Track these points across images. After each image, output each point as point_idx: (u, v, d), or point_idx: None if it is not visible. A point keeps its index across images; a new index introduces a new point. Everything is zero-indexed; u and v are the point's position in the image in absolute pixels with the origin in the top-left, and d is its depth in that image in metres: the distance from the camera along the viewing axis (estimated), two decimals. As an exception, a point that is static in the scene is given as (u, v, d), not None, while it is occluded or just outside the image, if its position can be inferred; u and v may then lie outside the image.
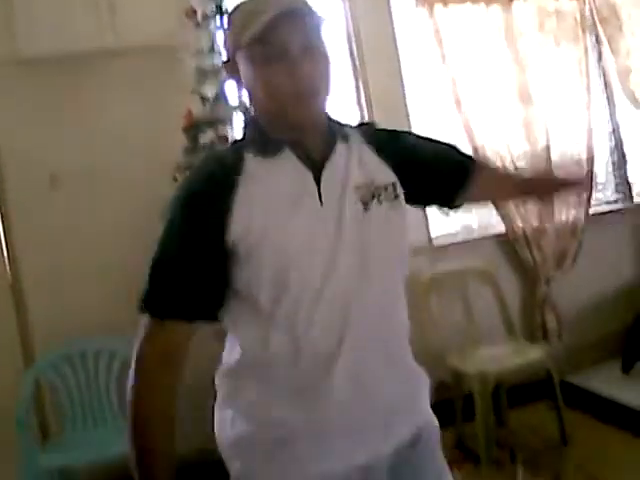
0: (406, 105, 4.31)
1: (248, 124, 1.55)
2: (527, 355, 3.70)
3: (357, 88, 4.31)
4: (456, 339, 3.82)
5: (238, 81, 1.50)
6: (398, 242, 1.53)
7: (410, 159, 1.58)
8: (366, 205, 1.46)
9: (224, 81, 3.28)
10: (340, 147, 1.50)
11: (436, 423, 1.63)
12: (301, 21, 1.40)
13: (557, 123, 4.45)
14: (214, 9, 3.32)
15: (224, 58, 1.54)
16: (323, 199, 1.43)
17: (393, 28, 4.31)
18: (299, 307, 1.39)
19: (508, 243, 4.42)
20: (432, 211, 4.17)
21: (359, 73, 4.29)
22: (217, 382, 1.55)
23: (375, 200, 1.47)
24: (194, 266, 1.39)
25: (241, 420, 1.47)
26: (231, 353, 1.50)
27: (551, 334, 4.37)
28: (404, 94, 4.31)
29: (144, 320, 1.42)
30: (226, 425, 1.50)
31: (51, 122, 3.69)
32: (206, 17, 3.33)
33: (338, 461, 1.44)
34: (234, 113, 3.28)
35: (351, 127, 1.60)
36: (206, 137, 3.23)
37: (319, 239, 1.41)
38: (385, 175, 1.52)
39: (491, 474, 3.47)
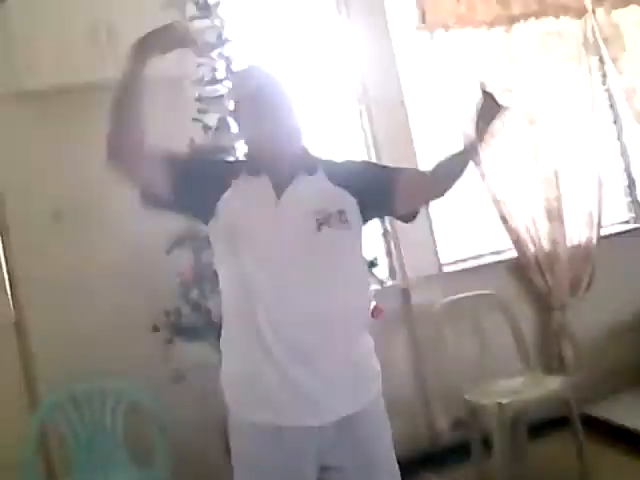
0: (410, 133, 4.25)
1: (246, 152, 2.21)
2: (544, 386, 3.62)
3: (360, 115, 4.26)
4: (471, 372, 3.72)
5: (241, 130, 2.20)
6: (345, 257, 2.01)
7: (360, 184, 2.04)
8: (319, 227, 1.96)
9: (226, 110, 3.21)
10: (302, 178, 2.02)
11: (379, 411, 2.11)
12: (275, 89, 2.05)
13: (564, 145, 4.38)
14: (215, 38, 3.26)
15: (231, 107, 2.27)
16: (280, 213, 1.98)
17: (393, 52, 4.27)
18: (252, 290, 1.94)
19: (520, 269, 4.34)
20: (440, 237, 4.17)
21: (361, 100, 4.24)
22: None
23: (326, 224, 1.96)
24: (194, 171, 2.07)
25: (224, 358, 2.06)
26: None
27: (568, 363, 4.26)
28: (407, 119, 4.25)
29: None
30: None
31: (52, 155, 3.61)
32: (208, 46, 3.25)
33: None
34: (236, 141, 3.19)
35: (324, 161, 2.12)
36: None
37: (273, 241, 1.95)
38: (336, 203, 2.01)
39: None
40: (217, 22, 3.23)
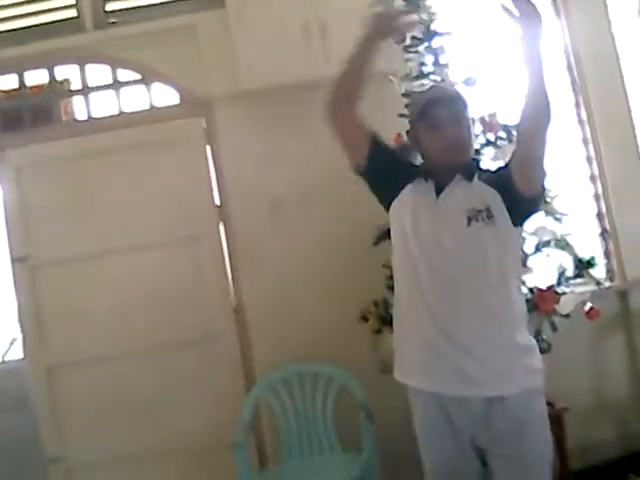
0: (632, 121, 4.04)
1: (421, 163, 2.50)
2: None
3: (577, 106, 4.11)
4: None
5: (415, 144, 2.43)
6: (491, 249, 2.23)
7: (499, 183, 2.26)
8: (469, 221, 2.23)
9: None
10: (458, 183, 2.30)
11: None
12: (448, 103, 2.30)
13: None
14: (423, 32, 3.30)
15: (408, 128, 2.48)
16: (437, 207, 2.29)
17: (614, 42, 4.08)
18: (416, 266, 2.29)
19: None
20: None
21: (578, 90, 4.11)
22: None
23: (474, 220, 2.22)
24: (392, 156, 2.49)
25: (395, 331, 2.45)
26: None
27: None
28: (629, 110, 4.04)
29: None
30: None
31: (269, 149, 3.87)
32: (415, 40, 3.30)
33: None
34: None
35: (482, 169, 2.39)
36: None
37: (432, 240, 2.25)
38: (483, 202, 2.24)
39: None
40: (425, 16, 3.27)
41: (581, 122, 4.09)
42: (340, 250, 3.74)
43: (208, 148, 3.95)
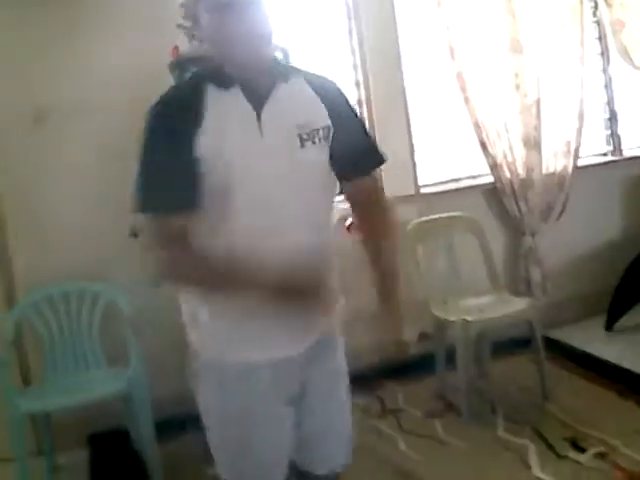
0: (399, 52, 4.24)
1: (207, 60, 1.82)
2: (510, 307, 3.69)
3: (350, 34, 4.25)
4: (440, 289, 3.80)
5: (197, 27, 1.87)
6: (323, 175, 1.82)
7: (337, 122, 1.83)
8: (303, 142, 1.76)
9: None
10: (281, 87, 1.76)
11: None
12: None
13: (549, 75, 4.38)
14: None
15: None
16: (263, 132, 1.72)
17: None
18: (241, 209, 1.71)
19: (495, 194, 4.39)
20: (420, 159, 4.20)
21: (352, 22, 4.23)
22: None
23: (310, 141, 1.76)
24: (172, 173, 1.68)
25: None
26: None
27: (535, 288, 4.36)
28: (397, 42, 4.23)
29: (147, 219, 1.73)
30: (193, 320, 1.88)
31: (35, 56, 3.58)
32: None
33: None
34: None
35: (297, 69, 1.88)
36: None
37: (259, 163, 1.72)
38: (322, 118, 1.80)
39: (471, 426, 3.48)
40: None
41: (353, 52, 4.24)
42: (111, 164, 3.54)
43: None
